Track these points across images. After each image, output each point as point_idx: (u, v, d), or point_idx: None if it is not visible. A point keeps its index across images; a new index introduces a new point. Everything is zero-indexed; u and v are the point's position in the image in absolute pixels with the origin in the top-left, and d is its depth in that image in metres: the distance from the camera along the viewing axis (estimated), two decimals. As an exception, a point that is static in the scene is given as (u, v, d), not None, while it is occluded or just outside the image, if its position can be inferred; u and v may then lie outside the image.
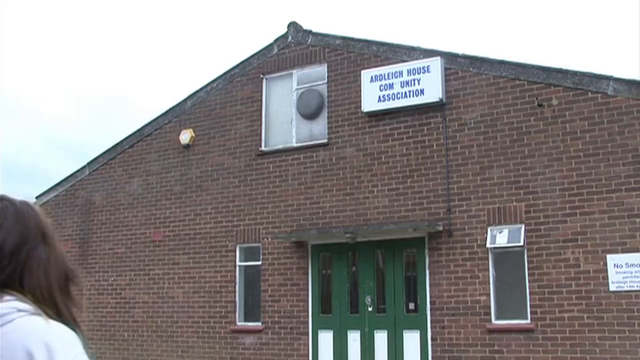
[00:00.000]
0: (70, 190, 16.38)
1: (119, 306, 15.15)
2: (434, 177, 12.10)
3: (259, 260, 13.61)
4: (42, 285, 1.66)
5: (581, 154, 10.97)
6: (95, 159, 16.21)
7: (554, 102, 11.31)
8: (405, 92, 12.44)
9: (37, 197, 16.64)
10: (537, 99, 11.37)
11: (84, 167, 16.35)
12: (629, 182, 10.56)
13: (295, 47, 14.09)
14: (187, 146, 14.83)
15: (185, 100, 15.17)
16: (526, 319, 11.06)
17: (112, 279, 15.35)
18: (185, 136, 14.80)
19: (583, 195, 10.85)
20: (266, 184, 13.77)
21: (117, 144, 15.95)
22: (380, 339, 12.24)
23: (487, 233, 11.45)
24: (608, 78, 10.96)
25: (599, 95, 10.97)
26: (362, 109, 12.85)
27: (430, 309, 11.82)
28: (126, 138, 15.87)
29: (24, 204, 1.75)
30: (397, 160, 12.48)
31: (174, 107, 15.33)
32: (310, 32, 13.99)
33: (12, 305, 1.57)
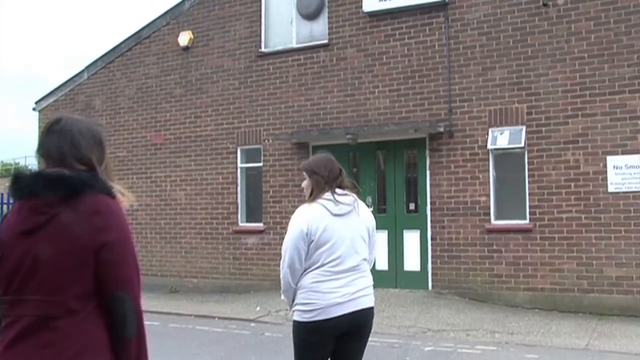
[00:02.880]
0: (70, 95, 16.27)
1: (123, 208, 15.30)
2: (435, 78, 11.99)
3: (260, 161, 13.68)
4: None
5: (585, 55, 10.82)
6: (94, 62, 16.00)
7: (559, 1, 11.06)
8: (408, -9, 12.14)
9: (36, 103, 16.56)
10: (542, -3, 11.12)
11: (82, 72, 16.17)
12: (633, 83, 10.47)
13: (295, -56, 13.65)
14: (186, 48, 14.63)
15: (183, 2, 14.84)
16: (525, 219, 11.22)
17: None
18: (184, 38, 14.58)
19: (585, 97, 10.78)
20: (266, 85, 13.67)
21: (115, 48, 15.72)
22: (381, 238, 12.44)
23: (487, 134, 11.45)
24: (616, -25, 10.68)
25: (606, -7, 10.72)
26: (363, 8, 12.60)
27: (431, 209, 11.97)
28: (124, 41, 15.62)
29: (325, 154, 4.29)
30: (398, 61, 12.33)
31: (172, 9, 15.01)
32: None
33: (354, 197, 4.05)
